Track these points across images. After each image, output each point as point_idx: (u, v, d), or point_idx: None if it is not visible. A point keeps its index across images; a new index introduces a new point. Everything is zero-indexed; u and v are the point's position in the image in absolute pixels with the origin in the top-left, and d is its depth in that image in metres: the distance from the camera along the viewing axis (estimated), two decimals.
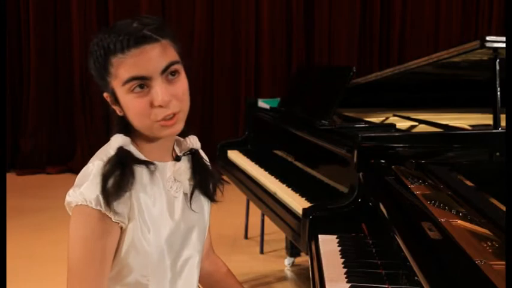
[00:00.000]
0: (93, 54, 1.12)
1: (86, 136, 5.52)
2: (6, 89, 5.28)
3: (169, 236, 1.18)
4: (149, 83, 1.09)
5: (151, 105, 1.09)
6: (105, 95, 1.16)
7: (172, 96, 1.10)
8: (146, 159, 1.17)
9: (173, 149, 1.26)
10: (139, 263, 1.14)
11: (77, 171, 1.14)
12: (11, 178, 5.08)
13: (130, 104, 1.10)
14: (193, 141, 1.29)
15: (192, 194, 1.25)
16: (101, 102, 1.19)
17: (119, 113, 1.15)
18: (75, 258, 1.10)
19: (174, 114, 1.11)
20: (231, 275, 1.47)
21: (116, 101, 1.13)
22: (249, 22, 5.66)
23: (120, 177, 1.09)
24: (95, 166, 1.11)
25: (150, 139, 1.18)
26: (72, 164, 5.41)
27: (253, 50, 5.70)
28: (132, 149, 1.16)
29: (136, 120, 1.12)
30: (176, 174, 1.22)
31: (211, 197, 1.29)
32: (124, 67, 1.08)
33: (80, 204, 1.08)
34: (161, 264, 1.17)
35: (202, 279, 1.43)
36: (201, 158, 1.31)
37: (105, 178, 1.08)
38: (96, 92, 1.20)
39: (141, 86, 1.08)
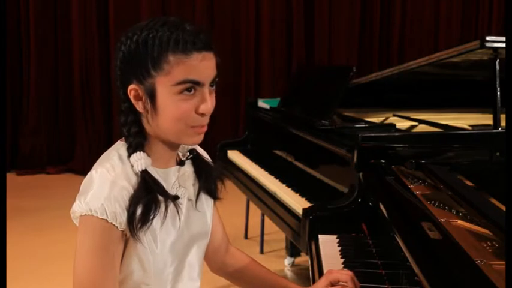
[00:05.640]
0: (143, 43, 1.07)
1: (86, 136, 5.50)
2: (6, 89, 5.28)
3: (173, 244, 1.17)
4: (198, 89, 1.10)
5: (195, 111, 1.10)
6: (131, 87, 1.10)
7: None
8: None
9: (177, 154, 1.24)
10: (142, 271, 1.14)
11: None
12: (11, 178, 5.07)
13: (174, 106, 1.08)
14: None
15: (197, 196, 1.24)
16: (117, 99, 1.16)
17: (140, 110, 1.11)
18: (85, 270, 1.08)
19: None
20: (255, 263, 1.46)
21: (151, 96, 1.09)
22: (249, 22, 5.66)
23: (147, 207, 1.09)
24: (98, 174, 1.09)
25: (161, 145, 1.16)
26: (72, 164, 5.39)
27: (253, 50, 5.70)
28: (153, 170, 1.14)
29: (170, 122, 1.10)
30: (181, 179, 1.21)
31: (215, 195, 1.28)
32: (182, 68, 1.07)
33: (85, 215, 1.08)
34: (164, 271, 1.16)
35: (226, 275, 1.46)
36: (201, 155, 1.30)
37: (134, 205, 1.08)
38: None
39: (190, 90, 1.09)
